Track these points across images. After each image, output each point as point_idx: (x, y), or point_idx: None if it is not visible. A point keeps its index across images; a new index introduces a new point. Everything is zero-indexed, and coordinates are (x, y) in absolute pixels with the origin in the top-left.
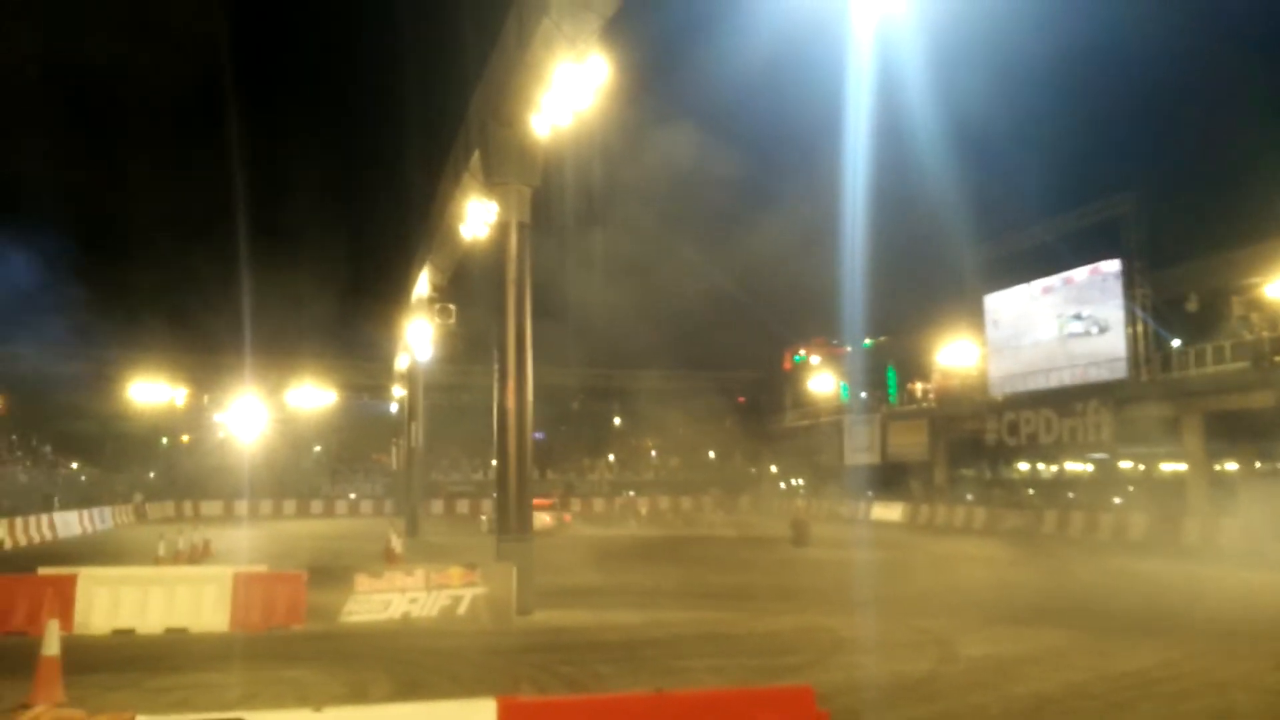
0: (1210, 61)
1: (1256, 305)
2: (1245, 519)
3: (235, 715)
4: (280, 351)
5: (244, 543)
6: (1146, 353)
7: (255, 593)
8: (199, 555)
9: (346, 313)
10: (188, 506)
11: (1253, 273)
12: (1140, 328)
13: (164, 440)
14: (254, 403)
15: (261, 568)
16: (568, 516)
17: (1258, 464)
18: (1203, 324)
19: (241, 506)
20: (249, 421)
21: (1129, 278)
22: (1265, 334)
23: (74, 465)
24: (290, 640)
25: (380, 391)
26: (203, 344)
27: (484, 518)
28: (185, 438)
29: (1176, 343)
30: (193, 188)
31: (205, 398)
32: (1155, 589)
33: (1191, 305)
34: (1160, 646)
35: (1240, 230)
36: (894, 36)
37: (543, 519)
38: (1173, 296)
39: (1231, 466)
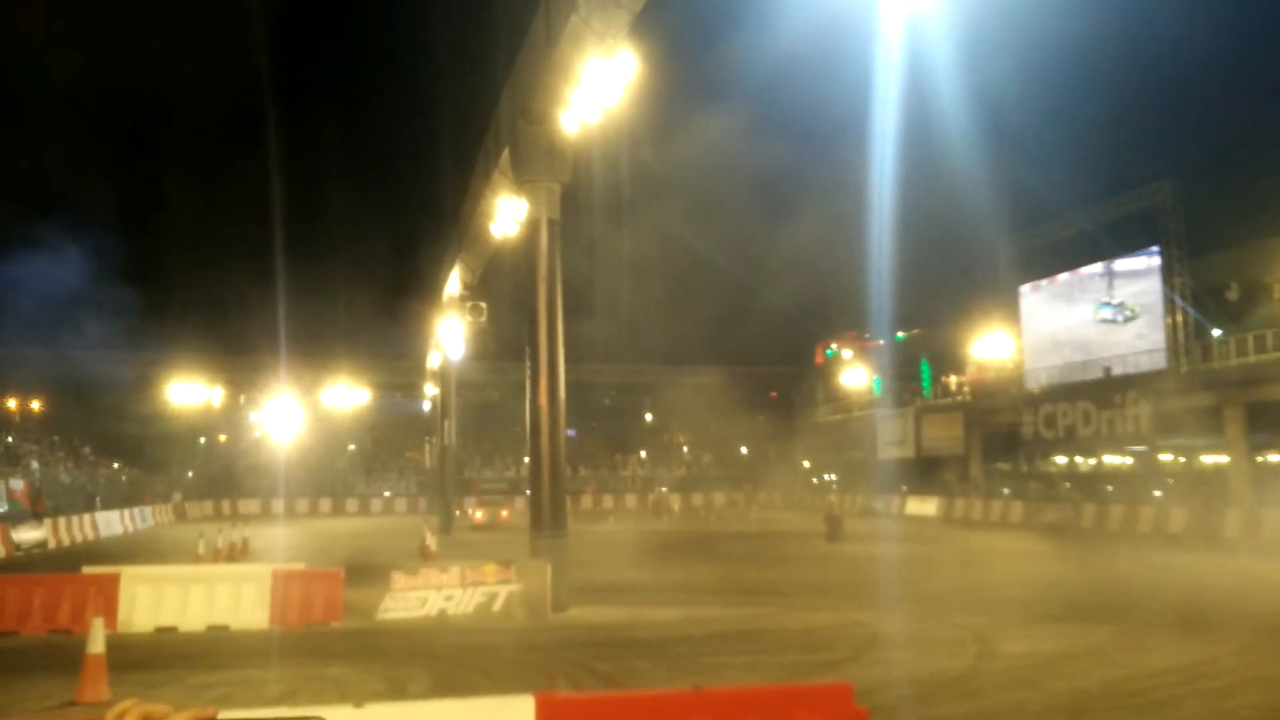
0: (1248, 47)
1: None
2: None
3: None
4: (315, 351)
5: (281, 541)
6: (1186, 343)
7: (294, 590)
8: (238, 553)
9: (379, 312)
10: (226, 505)
11: None
12: (1179, 317)
13: (202, 440)
14: (289, 402)
15: (299, 565)
16: (505, 514)
17: None
18: (1243, 312)
19: (278, 505)
20: (285, 421)
21: (1168, 266)
22: None
23: (115, 465)
24: (328, 637)
25: (413, 390)
26: (239, 345)
27: (456, 514)
28: (222, 437)
29: (1217, 332)
30: (228, 191)
31: (242, 398)
32: (1197, 583)
33: (1232, 293)
34: (1204, 642)
35: None
36: (925, 26)
37: (474, 515)
38: (1212, 285)
39: (1275, 458)
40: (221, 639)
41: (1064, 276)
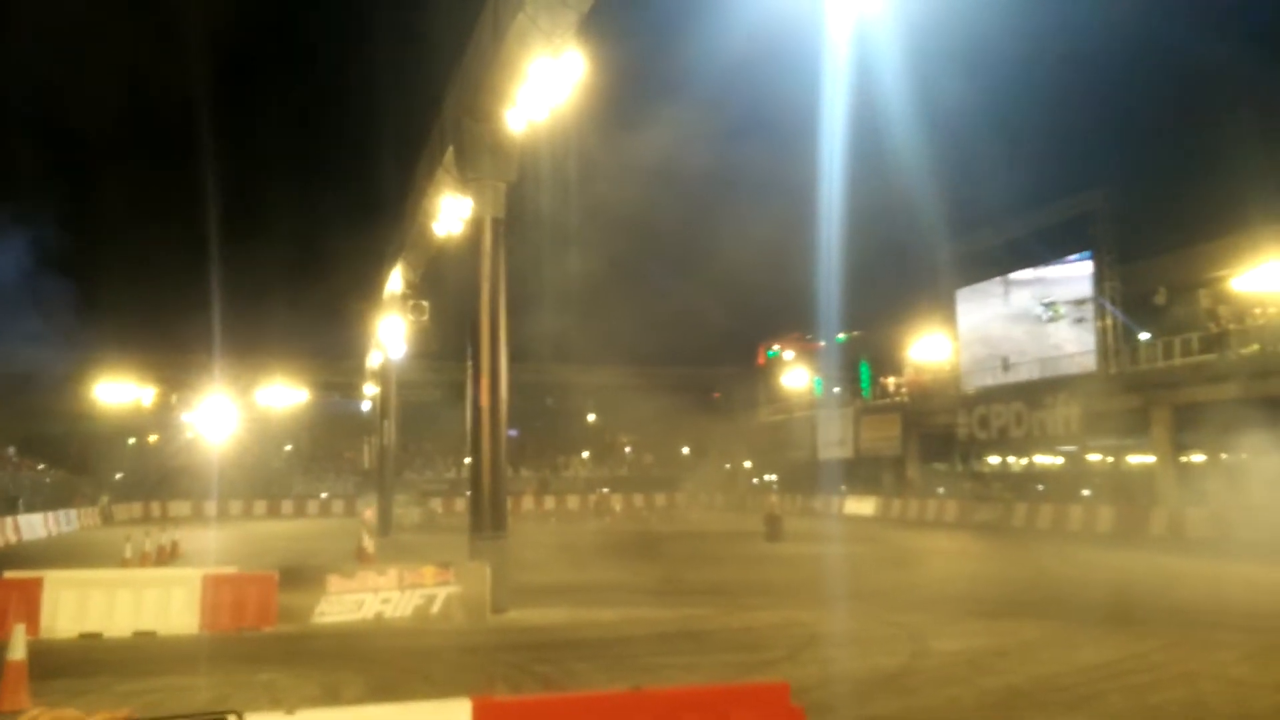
0: (1178, 60)
1: (1223, 298)
2: (1213, 509)
3: (229, 710)
4: (251, 350)
5: (214, 544)
6: (1115, 345)
7: (225, 594)
8: (167, 557)
9: (319, 310)
10: (155, 507)
11: (1219, 266)
12: (1109, 321)
13: (131, 441)
14: (223, 402)
15: (231, 569)
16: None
17: (1224, 455)
18: (1171, 317)
19: (211, 507)
20: (218, 421)
21: (1099, 272)
22: (1231, 326)
23: (40, 467)
24: (261, 642)
25: (352, 390)
26: (171, 343)
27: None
28: (153, 438)
29: (1145, 336)
30: (163, 185)
31: (174, 397)
32: (1124, 580)
33: (1160, 299)
34: (1129, 638)
35: (1207, 224)
36: (869, 34)
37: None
38: (1141, 290)
39: (1199, 458)
40: (149, 645)
41: (999, 280)
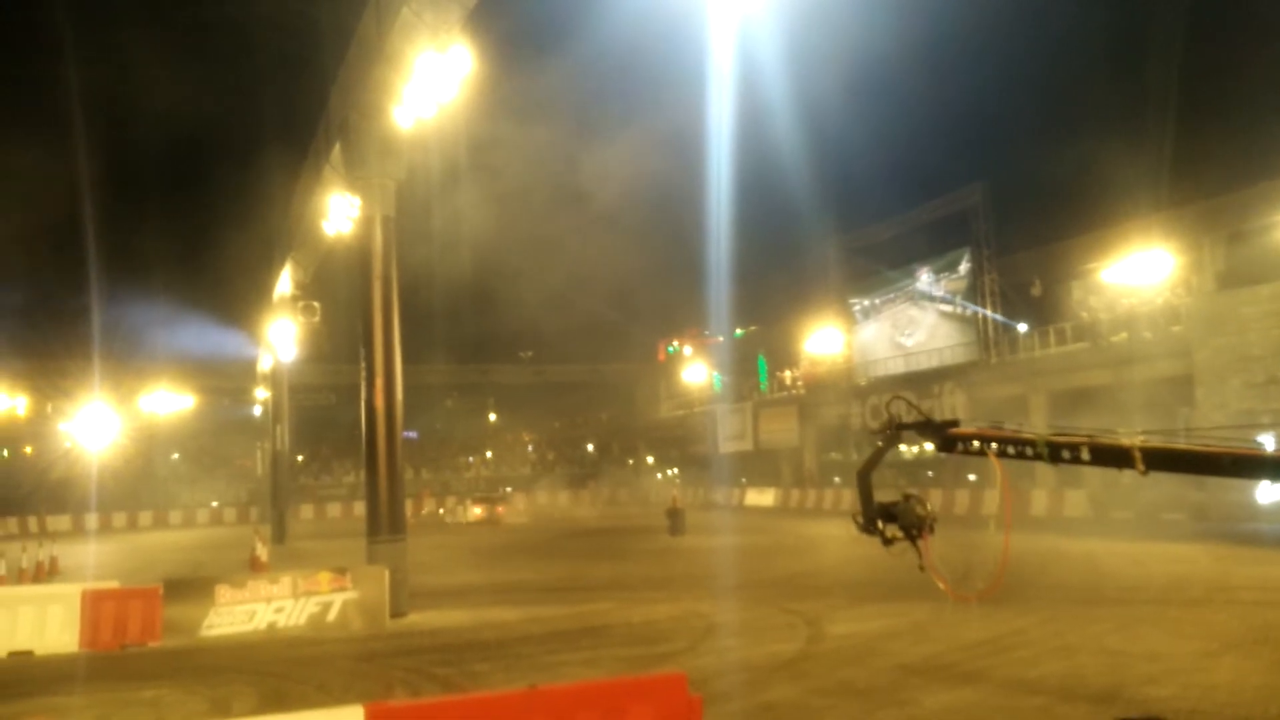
0: (1051, 61)
1: (1094, 289)
2: (1089, 490)
3: None
4: (132, 355)
5: (95, 558)
6: (995, 335)
7: (106, 610)
8: (45, 573)
9: (204, 313)
10: (32, 522)
11: (1090, 259)
12: (989, 312)
13: (4, 453)
14: (103, 410)
15: (113, 583)
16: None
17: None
18: (1046, 307)
19: (92, 520)
20: (98, 430)
21: (978, 265)
22: (1102, 316)
23: None
24: (145, 658)
25: (242, 394)
26: (45, 349)
27: None
28: (28, 449)
29: (1023, 326)
30: (35, 182)
31: (49, 406)
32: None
33: (1035, 290)
34: (1012, 615)
35: (1079, 219)
36: (756, 38)
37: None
38: (1018, 282)
39: None
40: (25, 665)
41: (889, 272)
